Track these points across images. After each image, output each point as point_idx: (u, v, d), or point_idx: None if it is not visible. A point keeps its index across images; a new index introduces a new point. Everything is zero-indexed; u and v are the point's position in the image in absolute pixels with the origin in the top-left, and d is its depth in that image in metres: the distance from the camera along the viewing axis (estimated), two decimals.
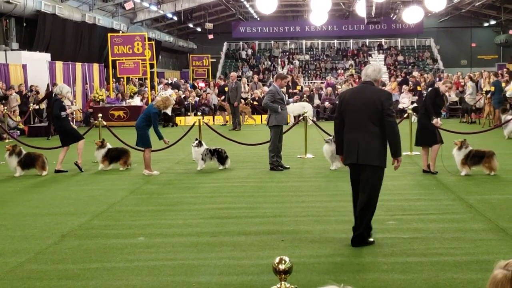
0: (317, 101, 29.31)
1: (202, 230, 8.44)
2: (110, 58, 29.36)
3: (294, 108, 25.79)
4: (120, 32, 35.88)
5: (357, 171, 7.48)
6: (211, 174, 13.60)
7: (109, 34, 29.98)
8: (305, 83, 38.34)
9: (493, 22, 53.58)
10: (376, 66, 7.89)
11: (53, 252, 7.52)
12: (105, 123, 16.47)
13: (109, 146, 14.59)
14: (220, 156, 14.17)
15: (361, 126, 7.35)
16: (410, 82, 31.81)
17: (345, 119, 7.51)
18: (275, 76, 15.06)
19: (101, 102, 28.22)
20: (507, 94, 22.35)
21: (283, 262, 3.04)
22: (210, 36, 50.31)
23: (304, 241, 7.78)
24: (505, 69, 29.24)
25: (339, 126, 7.61)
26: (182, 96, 30.43)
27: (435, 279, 6.23)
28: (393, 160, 7.49)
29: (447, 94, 26.19)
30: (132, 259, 7.14)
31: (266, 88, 27.70)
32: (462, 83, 29.22)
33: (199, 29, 52.73)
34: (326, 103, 28.54)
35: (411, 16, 36.21)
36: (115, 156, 14.47)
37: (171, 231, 8.44)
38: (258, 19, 53.90)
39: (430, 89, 14.89)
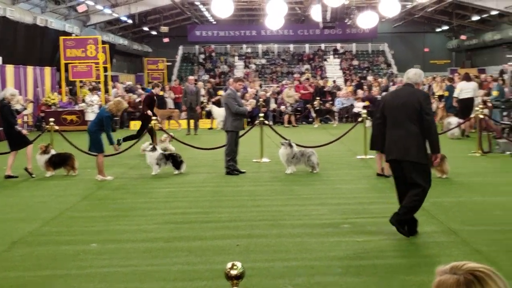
0: (273, 105, 29.38)
1: (156, 236, 8.36)
2: (63, 62, 28.91)
3: (219, 113, 25.98)
4: (73, 35, 35.38)
5: (399, 167, 7.93)
6: (166, 179, 13.49)
7: (61, 37, 29.53)
8: (262, 87, 38.39)
9: (445, 27, 54.47)
10: (418, 70, 8.44)
11: (4, 260, 7.35)
12: (57, 127, 16.18)
13: (53, 152, 14.26)
14: (175, 160, 14.06)
15: (400, 124, 7.87)
16: (365, 86, 32.15)
17: (387, 118, 8.07)
18: (231, 79, 15.02)
19: (53, 106, 27.77)
20: (455, 94, 22.59)
21: (235, 267, 3.03)
22: (165, 40, 50.01)
23: (259, 245, 7.77)
24: (456, 74, 29.73)
25: (381, 125, 8.20)
26: (137, 100, 30.14)
27: (388, 281, 6.29)
28: (433, 156, 7.99)
29: None
30: (84, 266, 7.02)
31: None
32: None
33: (154, 33, 52.36)
34: (282, 107, 28.61)
35: (365, 21, 36.60)
36: (58, 161, 14.18)
37: (125, 237, 8.34)
38: (214, 22, 53.81)
39: (384, 93, 15.07)
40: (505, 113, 19.66)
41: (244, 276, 3.01)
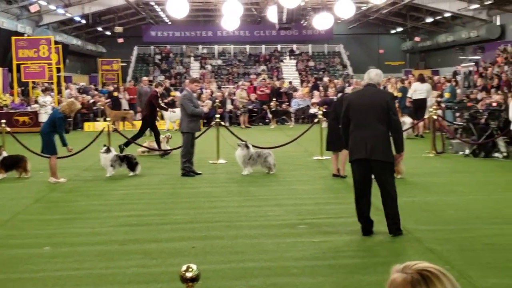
0: (229, 106, 29.34)
1: (111, 238, 8.26)
2: (15, 62, 28.38)
3: (171, 114, 25.92)
4: (25, 35, 34.74)
5: (363, 167, 7.97)
6: (120, 180, 13.33)
7: (13, 38, 28.98)
8: (220, 88, 38.31)
9: (400, 29, 55.15)
10: (378, 71, 8.60)
11: None
12: (9, 129, 15.86)
13: (4, 154, 13.97)
14: (130, 162, 13.91)
15: (367, 124, 7.93)
16: (321, 88, 32.33)
17: (352, 118, 8.06)
18: (187, 80, 14.94)
19: (5, 108, 27.23)
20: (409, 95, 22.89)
21: (190, 269, 3.01)
22: (120, 40, 49.51)
23: (216, 247, 7.74)
24: (410, 75, 30.13)
25: (346, 125, 8.15)
26: (91, 101, 29.80)
27: (344, 281, 6.32)
28: (396, 155, 8.07)
29: None
30: (37, 270, 6.90)
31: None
32: None
33: (108, 33, 51.80)
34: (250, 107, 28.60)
35: (321, 22, 36.79)
36: (10, 164, 13.90)
37: (79, 240, 8.21)
38: (170, 23, 53.47)
39: (339, 95, 15.17)
40: (457, 114, 19.99)
41: (200, 278, 2.99)
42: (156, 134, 17.41)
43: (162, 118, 26.92)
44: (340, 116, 8.38)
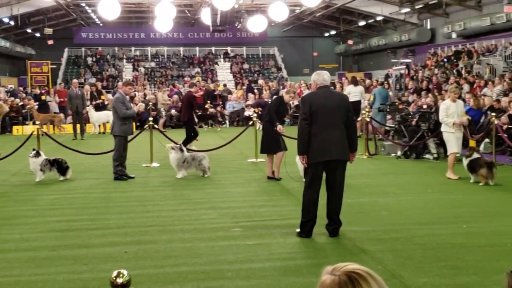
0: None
1: (41, 244, 8.03)
2: None
3: (99, 117, 25.63)
4: None
5: (328, 169, 8.04)
6: (50, 185, 13.00)
7: None
8: (151, 90, 37.95)
9: (333, 32, 55.85)
10: (327, 72, 8.59)
11: None
12: None
13: None
14: (60, 166, 13.59)
15: (334, 125, 8.00)
16: (255, 90, 32.43)
17: (316, 120, 8.00)
18: (121, 83, 14.70)
19: None
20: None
21: (121, 275, 2.92)
22: (50, 42, 48.40)
23: (149, 251, 7.62)
24: (343, 78, 30.56)
25: (308, 128, 8.02)
26: (20, 104, 29.05)
27: (278, 283, 6.31)
28: (351, 155, 8.20)
29: (290, 102, 26.92)
30: None
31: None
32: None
33: (38, 34, 50.66)
34: (173, 111, 28.36)
35: (255, 25, 36.92)
36: None
37: (7, 247, 7.95)
38: (101, 24, 52.70)
39: (274, 97, 15.23)
40: (389, 116, 20.35)
41: (131, 284, 2.91)
42: (193, 137, 17.87)
43: (88, 121, 26.47)
44: (302, 117, 8.15)
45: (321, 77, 8.34)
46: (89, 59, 51.42)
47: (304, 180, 12.28)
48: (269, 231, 8.51)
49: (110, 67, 50.33)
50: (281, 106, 13.18)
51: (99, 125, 26.30)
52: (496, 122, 15.20)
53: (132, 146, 14.69)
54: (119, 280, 2.91)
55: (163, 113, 28.04)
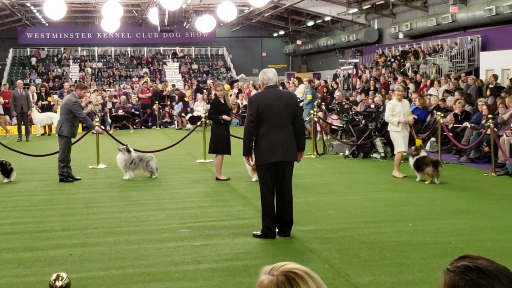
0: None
1: None
2: None
3: (41, 119, 25.25)
4: None
5: (276, 169, 8.00)
6: None
7: None
8: (100, 91, 37.44)
9: (282, 32, 56.07)
10: (273, 70, 8.46)
11: None
12: None
13: None
14: (4, 168, 13.28)
15: (283, 126, 7.98)
16: (204, 90, 32.32)
17: (264, 121, 7.95)
18: (66, 83, 14.40)
19: None
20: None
21: (61, 278, 2.89)
22: None
23: (94, 254, 7.50)
24: (292, 78, 30.69)
25: (254, 129, 8.00)
26: None
27: (225, 284, 6.29)
28: (299, 154, 8.23)
29: (239, 102, 26.91)
30: None
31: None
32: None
33: None
34: (120, 112, 28.03)
35: (204, 25, 36.76)
36: None
37: None
38: (47, 24, 51.78)
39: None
40: (336, 116, 20.51)
41: (70, 286, 2.85)
42: None
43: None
44: (248, 119, 8.09)
45: (266, 75, 8.27)
46: (33, 60, 50.46)
47: (252, 180, 12.36)
48: (216, 232, 8.47)
49: (56, 67, 49.52)
50: (220, 106, 13.08)
51: (42, 127, 25.80)
52: (441, 121, 15.47)
53: (79, 148, 14.47)
54: (58, 284, 2.89)
55: (99, 114, 27.55)
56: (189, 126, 26.41)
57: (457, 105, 17.41)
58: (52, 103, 26.98)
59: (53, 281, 2.89)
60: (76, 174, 13.59)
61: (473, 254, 2.06)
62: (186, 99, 29.66)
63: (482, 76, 24.65)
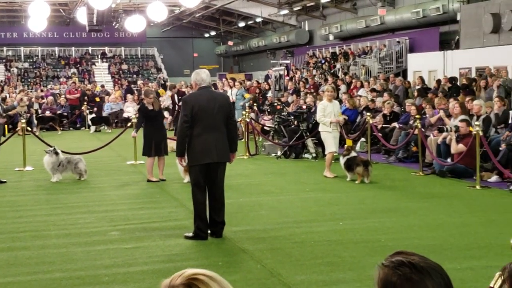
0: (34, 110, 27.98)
1: None
2: None
3: None
4: None
5: (209, 170, 7.98)
6: None
7: None
8: (26, 91, 36.51)
9: (213, 33, 55.98)
10: (206, 71, 8.45)
11: None
12: None
13: None
14: None
15: (216, 127, 7.99)
16: (135, 91, 31.95)
17: (198, 122, 7.90)
18: None
19: None
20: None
21: None
22: None
23: (21, 258, 7.30)
24: (224, 79, 30.68)
25: (188, 130, 7.92)
26: None
27: (156, 286, 6.06)
28: (232, 155, 8.26)
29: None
30: None
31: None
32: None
33: None
34: (47, 113, 27.38)
35: (133, 25, 36.35)
36: None
37: None
38: None
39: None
40: (269, 117, 20.58)
41: None
42: None
43: None
44: (182, 119, 7.99)
45: (199, 76, 8.22)
46: None
47: (184, 181, 12.25)
48: (148, 234, 8.36)
49: None
50: (146, 112, 12.86)
51: None
52: (371, 121, 15.73)
53: (4, 150, 14.04)
54: None
55: (24, 115, 26.81)
56: (93, 128, 26.22)
57: (386, 106, 17.72)
58: None
59: None
60: (2, 176, 13.19)
61: (407, 251, 2.08)
62: (97, 99, 29.31)
63: (410, 78, 25.19)
